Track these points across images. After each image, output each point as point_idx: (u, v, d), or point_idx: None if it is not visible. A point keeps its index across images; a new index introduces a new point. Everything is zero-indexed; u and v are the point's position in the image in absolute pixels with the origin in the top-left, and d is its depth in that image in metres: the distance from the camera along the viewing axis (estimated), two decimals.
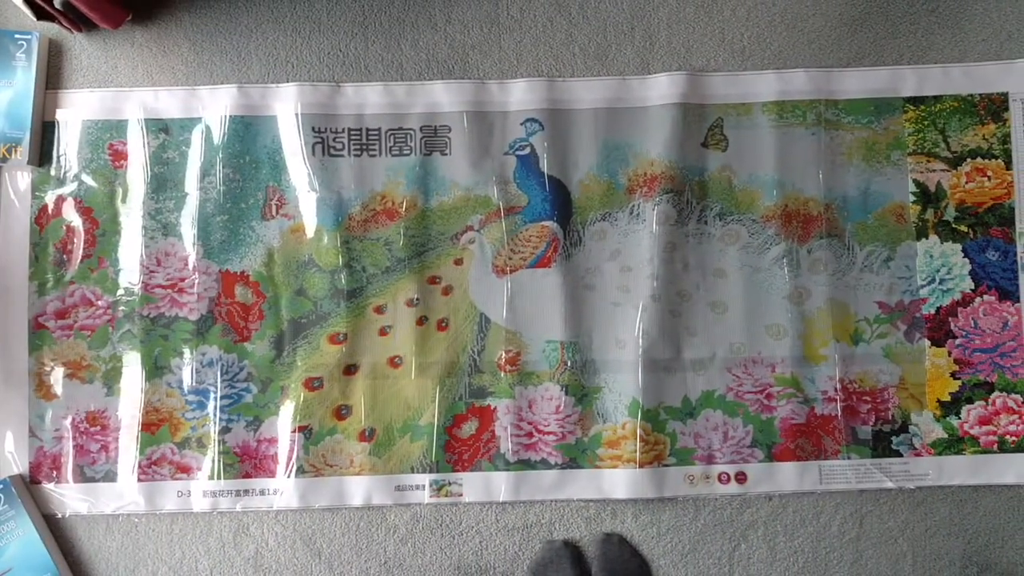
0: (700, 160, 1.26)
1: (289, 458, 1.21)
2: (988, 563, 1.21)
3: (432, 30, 1.27)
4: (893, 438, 1.22)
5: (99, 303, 1.23)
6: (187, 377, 1.22)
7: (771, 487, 1.21)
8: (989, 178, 1.25)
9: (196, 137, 1.25)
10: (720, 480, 1.21)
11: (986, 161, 1.25)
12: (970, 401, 1.22)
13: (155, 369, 1.22)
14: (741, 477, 1.21)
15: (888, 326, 1.23)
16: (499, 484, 1.21)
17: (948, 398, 1.22)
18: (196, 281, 1.23)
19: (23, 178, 1.25)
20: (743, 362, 1.23)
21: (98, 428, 1.22)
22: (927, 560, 1.21)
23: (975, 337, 1.23)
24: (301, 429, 1.21)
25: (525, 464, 1.21)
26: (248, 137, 1.25)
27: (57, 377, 1.22)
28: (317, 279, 1.24)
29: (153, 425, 1.22)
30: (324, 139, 1.25)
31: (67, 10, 1.22)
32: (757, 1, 1.28)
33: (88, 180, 1.25)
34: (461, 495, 1.21)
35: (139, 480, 1.21)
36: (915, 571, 1.21)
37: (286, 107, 1.25)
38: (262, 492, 1.21)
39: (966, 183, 1.25)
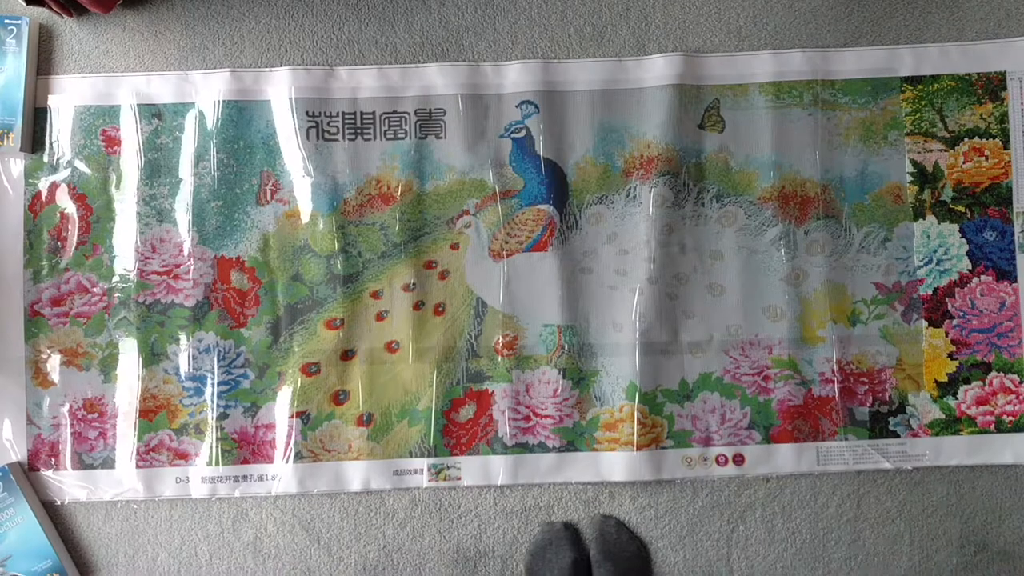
0: (697, 142, 1.25)
1: (287, 444, 1.21)
2: (985, 543, 1.22)
3: (426, 12, 1.26)
4: (890, 419, 1.22)
5: (95, 290, 1.23)
6: (184, 363, 1.22)
7: (769, 469, 1.21)
8: (987, 158, 1.24)
9: (189, 122, 1.24)
10: (718, 462, 1.22)
11: (984, 141, 1.24)
12: (967, 381, 1.22)
13: (152, 356, 1.22)
14: (739, 459, 1.22)
15: (885, 307, 1.23)
16: (497, 468, 1.21)
17: (945, 379, 1.22)
18: (192, 267, 1.23)
19: (16, 165, 1.24)
20: (740, 344, 1.23)
21: (96, 415, 1.22)
22: (924, 540, 1.22)
23: (972, 317, 1.23)
24: (299, 415, 1.21)
25: (523, 448, 1.22)
26: (242, 122, 1.24)
27: (54, 364, 1.22)
28: (313, 264, 1.23)
29: (151, 412, 1.21)
30: (318, 123, 1.24)
31: None
32: None
33: (81, 166, 1.24)
34: (459, 479, 1.21)
35: (137, 467, 1.21)
36: (912, 551, 1.22)
37: (280, 91, 1.24)
38: (260, 478, 1.21)
39: (963, 163, 1.24)
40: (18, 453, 1.21)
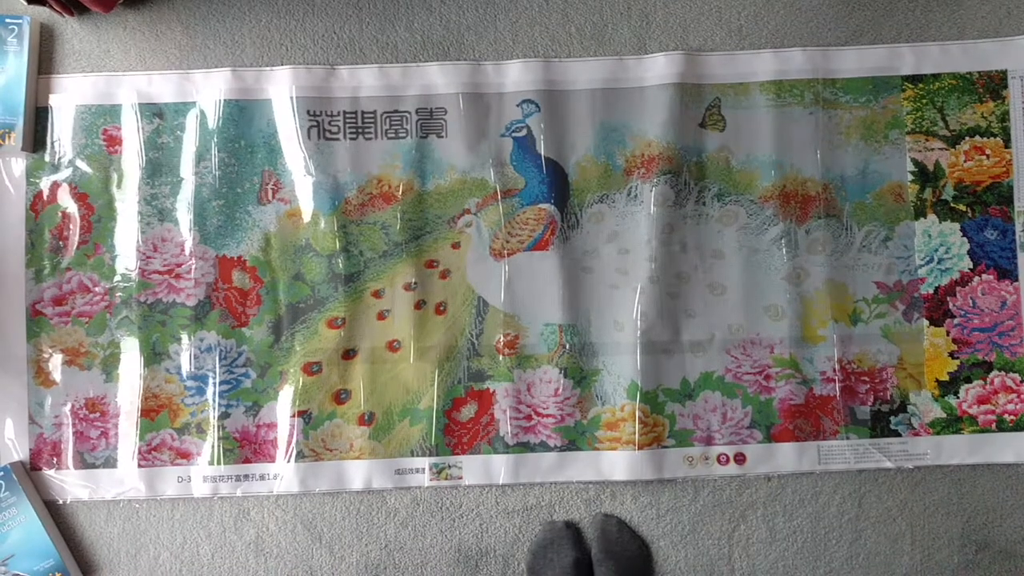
0: (698, 141, 1.25)
1: (289, 443, 1.21)
2: (986, 541, 1.22)
3: (427, 11, 1.26)
4: (892, 418, 1.22)
5: (96, 289, 1.23)
6: (185, 363, 1.22)
7: (770, 468, 1.21)
8: (988, 156, 1.24)
9: (191, 121, 1.24)
10: (719, 461, 1.22)
11: (984, 139, 1.24)
12: (968, 380, 1.22)
13: (153, 355, 1.22)
14: (740, 458, 1.22)
15: (886, 306, 1.23)
16: (499, 467, 1.21)
17: (946, 378, 1.22)
18: (193, 267, 1.23)
19: (17, 164, 1.24)
20: (742, 343, 1.23)
21: (97, 415, 1.22)
22: (926, 539, 1.22)
23: (973, 316, 1.23)
24: (300, 414, 1.21)
25: (524, 447, 1.22)
26: (243, 121, 1.24)
27: (56, 364, 1.22)
28: (314, 264, 1.24)
29: (152, 411, 1.22)
30: (319, 122, 1.24)
31: None
32: None
33: (83, 166, 1.24)
34: (461, 478, 1.21)
35: (139, 466, 1.21)
36: (914, 550, 1.22)
37: (280, 90, 1.24)
38: (262, 477, 1.21)
39: (965, 162, 1.24)
40: (20, 452, 1.21)
